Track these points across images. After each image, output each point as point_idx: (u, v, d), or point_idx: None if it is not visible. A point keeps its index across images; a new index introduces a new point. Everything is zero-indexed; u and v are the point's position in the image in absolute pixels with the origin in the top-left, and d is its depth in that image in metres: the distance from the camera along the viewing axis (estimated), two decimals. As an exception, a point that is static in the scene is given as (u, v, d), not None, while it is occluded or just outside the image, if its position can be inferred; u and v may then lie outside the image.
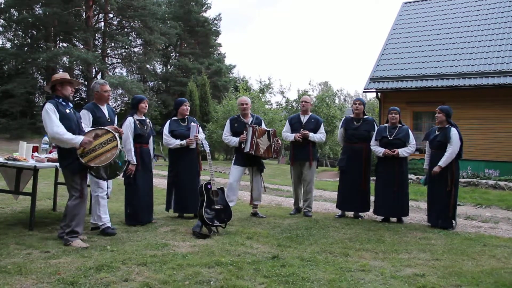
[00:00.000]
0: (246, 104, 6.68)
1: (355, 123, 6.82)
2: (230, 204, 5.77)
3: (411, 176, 12.82)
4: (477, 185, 12.15)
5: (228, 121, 6.82)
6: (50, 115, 4.38)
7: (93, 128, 4.75)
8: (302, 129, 6.76)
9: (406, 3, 19.32)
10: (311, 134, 6.74)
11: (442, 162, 6.03)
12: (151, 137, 6.00)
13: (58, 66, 29.06)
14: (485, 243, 5.20)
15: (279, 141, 6.62)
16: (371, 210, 6.78)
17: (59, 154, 4.63)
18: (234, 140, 6.54)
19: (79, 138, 4.41)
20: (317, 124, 6.89)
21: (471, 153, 12.95)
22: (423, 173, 6.56)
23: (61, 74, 4.79)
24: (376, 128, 6.79)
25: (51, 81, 4.64)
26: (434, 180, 6.19)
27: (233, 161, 6.74)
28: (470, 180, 12.56)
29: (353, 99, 7.42)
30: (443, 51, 15.37)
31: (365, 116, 6.90)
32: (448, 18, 16.99)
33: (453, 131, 6.09)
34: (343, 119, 7.15)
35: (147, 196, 5.80)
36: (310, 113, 7.06)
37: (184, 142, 6.14)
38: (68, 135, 4.38)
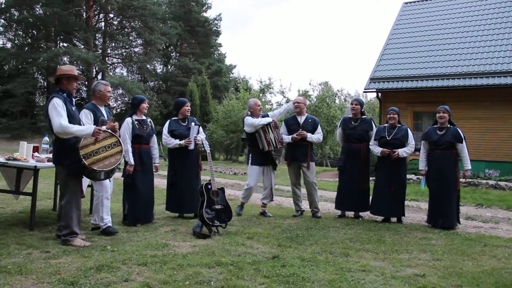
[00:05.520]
0: (260, 105, 6.89)
1: (352, 122, 6.82)
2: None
3: (411, 176, 12.84)
4: (477, 185, 12.16)
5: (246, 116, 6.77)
6: (58, 109, 4.32)
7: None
8: (300, 130, 6.75)
9: (406, 3, 19.33)
10: (309, 135, 6.71)
11: (468, 164, 6.21)
12: (154, 137, 6.00)
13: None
14: (486, 243, 5.20)
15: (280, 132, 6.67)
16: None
17: (59, 151, 4.48)
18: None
19: (91, 128, 4.36)
20: (314, 124, 6.88)
21: (471, 153, 12.76)
22: (423, 175, 6.53)
23: (68, 68, 4.66)
24: (374, 127, 6.81)
25: (58, 73, 4.57)
26: (437, 180, 6.19)
27: (250, 162, 6.73)
28: (470, 180, 12.56)
29: (353, 99, 7.44)
30: (443, 51, 15.37)
31: (363, 116, 6.90)
32: (448, 18, 16.99)
33: (460, 131, 6.19)
34: (341, 119, 7.15)
35: (146, 196, 5.79)
36: (306, 114, 7.05)
37: (182, 142, 6.14)
38: (77, 127, 4.34)
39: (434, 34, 16.44)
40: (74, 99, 4.69)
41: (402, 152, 6.41)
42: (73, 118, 4.47)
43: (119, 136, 5.37)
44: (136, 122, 5.73)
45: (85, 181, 5.37)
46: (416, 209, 7.92)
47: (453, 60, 14.82)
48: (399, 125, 6.65)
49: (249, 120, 6.60)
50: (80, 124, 4.63)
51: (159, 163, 6.13)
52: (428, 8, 18.32)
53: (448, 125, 6.27)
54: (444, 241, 5.25)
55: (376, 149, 6.58)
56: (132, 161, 5.58)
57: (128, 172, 5.61)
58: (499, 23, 15.54)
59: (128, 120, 5.69)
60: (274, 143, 6.49)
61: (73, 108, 4.56)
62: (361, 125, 6.77)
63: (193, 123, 6.33)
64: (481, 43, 15.06)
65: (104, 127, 4.64)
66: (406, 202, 6.87)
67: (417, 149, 6.66)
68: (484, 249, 4.91)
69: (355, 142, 6.73)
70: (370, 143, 6.70)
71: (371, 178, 6.97)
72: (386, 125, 6.73)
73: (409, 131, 6.59)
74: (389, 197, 6.41)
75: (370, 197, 6.71)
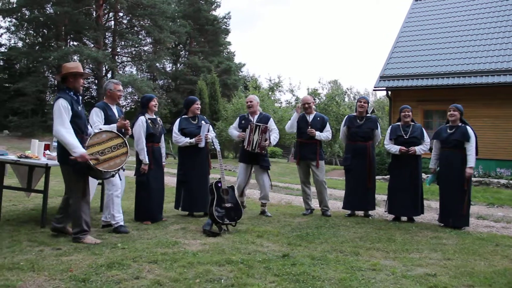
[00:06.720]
0: (251, 101, 6.80)
1: (358, 121, 6.77)
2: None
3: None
4: (488, 184, 12.03)
5: (238, 117, 7.00)
6: (62, 113, 4.30)
7: (102, 130, 4.67)
8: (309, 127, 6.74)
9: (416, 0, 19.18)
10: (317, 133, 6.71)
11: (472, 162, 5.99)
12: (162, 136, 6.03)
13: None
14: (498, 243, 5.15)
15: (267, 139, 6.52)
16: (380, 208, 6.75)
17: (64, 150, 4.41)
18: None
19: (80, 150, 4.25)
20: (323, 123, 6.86)
21: (482, 152, 12.64)
22: (431, 173, 6.51)
23: (74, 65, 4.62)
24: (379, 126, 6.79)
25: (64, 72, 4.52)
26: (446, 179, 6.14)
27: (239, 158, 6.88)
28: (481, 179, 12.44)
29: (361, 96, 7.41)
30: (453, 49, 15.24)
31: (368, 114, 6.87)
32: (458, 16, 16.84)
33: (470, 130, 6.07)
34: (345, 117, 7.10)
35: (158, 194, 5.84)
36: (315, 112, 7.04)
37: (193, 140, 6.15)
38: (71, 140, 4.25)
39: (445, 32, 16.30)
40: (81, 97, 4.66)
41: (419, 149, 6.39)
42: (78, 118, 4.49)
43: (132, 135, 5.41)
44: (149, 120, 5.75)
45: (94, 181, 5.36)
46: (427, 208, 7.84)
47: (463, 58, 14.68)
48: (413, 123, 6.62)
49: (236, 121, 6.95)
50: (85, 124, 4.65)
51: (169, 161, 6.15)
52: (438, 5, 18.16)
53: (460, 124, 6.20)
54: (455, 241, 5.21)
55: (393, 148, 6.51)
56: (147, 160, 5.60)
57: (143, 171, 5.63)
58: (511, 20, 15.36)
59: (142, 119, 5.69)
60: (253, 146, 6.44)
61: (79, 107, 4.53)
62: (366, 124, 6.72)
63: (203, 121, 6.34)
64: (492, 40, 14.90)
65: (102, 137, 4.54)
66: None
67: (429, 149, 6.61)
68: (496, 248, 4.86)
69: (360, 140, 6.70)
70: (385, 142, 6.67)
71: (384, 177, 6.93)
72: (398, 123, 6.69)
73: (423, 129, 6.60)
74: (406, 196, 6.38)
75: (383, 196, 6.68)
